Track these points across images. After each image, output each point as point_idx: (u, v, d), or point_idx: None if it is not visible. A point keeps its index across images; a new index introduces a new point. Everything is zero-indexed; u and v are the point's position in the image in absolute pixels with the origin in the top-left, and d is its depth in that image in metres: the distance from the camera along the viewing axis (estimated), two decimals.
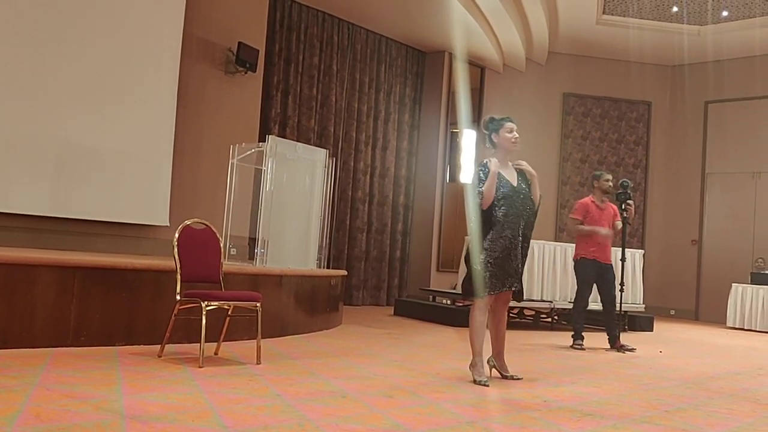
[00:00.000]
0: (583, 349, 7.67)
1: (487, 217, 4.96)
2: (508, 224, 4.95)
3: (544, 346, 7.88)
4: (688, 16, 13.37)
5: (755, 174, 14.44)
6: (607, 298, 7.88)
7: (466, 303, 5.17)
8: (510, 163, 5.16)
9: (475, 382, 4.81)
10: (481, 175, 4.98)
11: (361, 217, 12.52)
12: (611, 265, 7.90)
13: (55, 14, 7.94)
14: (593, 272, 7.86)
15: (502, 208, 4.95)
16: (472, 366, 4.94)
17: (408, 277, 13.38)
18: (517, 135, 5.11)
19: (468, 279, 5.04)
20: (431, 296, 11.19)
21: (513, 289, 5.06)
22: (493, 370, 5.22)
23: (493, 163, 4.97)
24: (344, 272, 8.87)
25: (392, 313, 10.94)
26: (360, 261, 12.44)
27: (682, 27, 13.65)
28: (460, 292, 5.35)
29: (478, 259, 4.92)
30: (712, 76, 14.89)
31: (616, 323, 7.94)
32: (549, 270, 10.10)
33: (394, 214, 13.14)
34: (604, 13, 13.37)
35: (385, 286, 12.91)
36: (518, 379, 5.09)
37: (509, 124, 5.10)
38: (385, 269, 12.93)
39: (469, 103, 13.29)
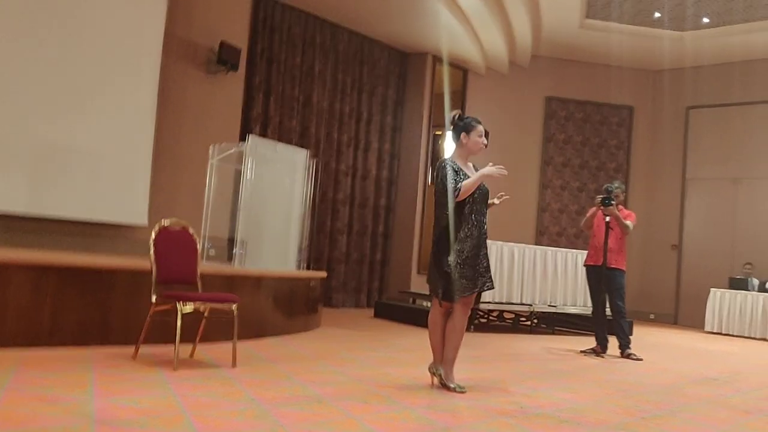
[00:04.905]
0: (599, 356, 7.67)
1: (458, 216, 4.79)
2: (475, 223, 4.81)
3: (522, 351, 7.88)
4: (670, 22, 13.42)
5: (735, 180, 14.53)
6: (610, 305, 7.86)
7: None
8: (470, 164, 5.03)
9: (449, 389, 4.72)
10: (455, 167, 4.84)
11: (341, 219, 12.47)
12: (613, 269, 7.71)
13: (34, 12, 7.84)
14: (592, 278, 7.91)
15: (468, 206, 4.81)
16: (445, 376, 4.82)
17: (388, 279, 13.35)
18: (486, 141, 5.02)
19: (436, 280, 4.84)
20: (411, 299, 11.17)
21: (485, 289, 4.89)
22: (434, 378, 4.91)
23: (486, 170, 4.86)
24: (323, 274, 8.82)
25: (372, 315, 10.90)
26: (340, 263, 12.39)
27: (664, 32, 13.71)
28: (430, 292, 5.09)
29: (447, 261, 4.75)
30: (693, 81, 14.98)
31: (624, 332, 7.82)
32: (528, 273, 10.10)
33: (375, 216, 13.10)
34: (586, 17, 13.40)
35: (365, 288, 12.87)
36: (462, 391, 4.66)
37: (481, 128, 4.99)
38: (366, 271, 12.89)
39: (451, 105, 13.30)
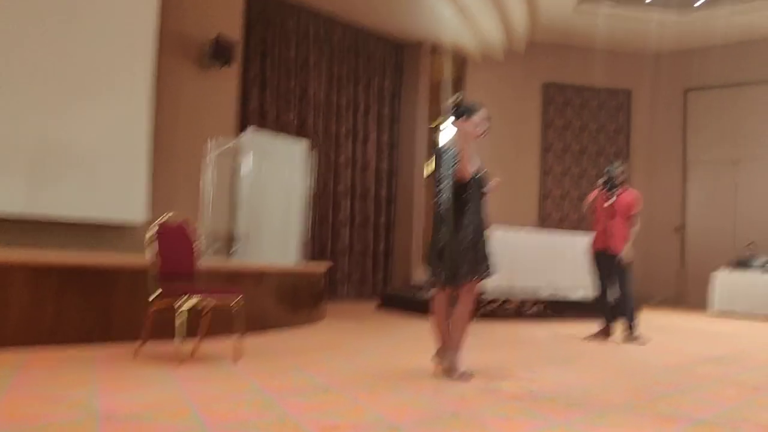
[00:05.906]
0: (605, 339, 7.65)
1: (458, 202, 4.74)
2: (476, 209, 4.76)
3: (528, 337, 7.84)
4: (666, 4, 13.34)
5: (735, 161, 14.48)
6: (620, 289, 7.80)
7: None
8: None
9: (456, 375, 4.65)
10: (453, 152, 4.78)
11: (343, 211, 12.43)
12: (616, 255, 7.67)
13: (26, 9, 7.78)
14: (597, 262, 7.86)
15: (468, 192, 4.75)
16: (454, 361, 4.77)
17: (392, 270, 13.31)
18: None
19: (437, 266, 4.78)
20: (416, 289, 11.14)
21: (486, 275, 4.78)
22: (441, 365, 4.81)
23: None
24: (326, 265, 8.78)
25: (377, 306, 10.86)
26: (344, 255, 12.36)
27: (661, 15, 13.62)
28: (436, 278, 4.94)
29: (449, 246, 4.70)
30: (691, 63, 14.88)
31: (630, 315, 7.76)
32: (532, 258, 10.06)
33: (376, 207, 13.06)
34: (581, 1, 13.32)
35: (369, 279, 12.83)
36: (469, 377, 4.61)
37: (482, 112, 4.90)
38: (369, 263, 12.86)
39: (450, 94, 13.24)
